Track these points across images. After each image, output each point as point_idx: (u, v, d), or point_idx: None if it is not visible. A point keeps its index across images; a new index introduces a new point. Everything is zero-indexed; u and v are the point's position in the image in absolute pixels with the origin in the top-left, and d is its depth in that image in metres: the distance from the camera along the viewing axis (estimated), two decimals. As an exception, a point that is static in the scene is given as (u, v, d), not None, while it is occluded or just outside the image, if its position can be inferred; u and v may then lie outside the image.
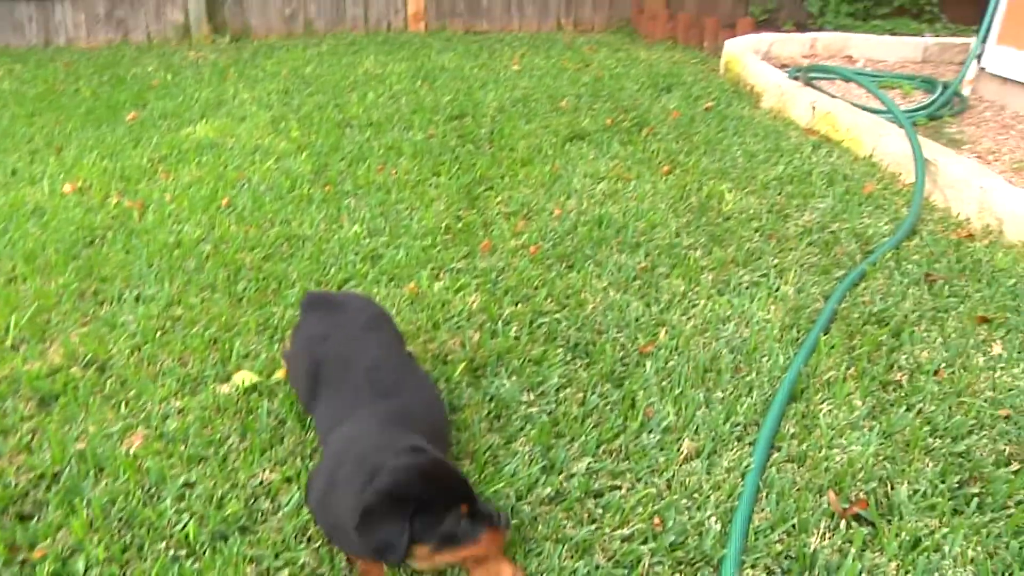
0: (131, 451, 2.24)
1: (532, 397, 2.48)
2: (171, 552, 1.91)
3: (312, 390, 2.24)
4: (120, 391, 2.51)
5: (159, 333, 2.81)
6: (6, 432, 2.32)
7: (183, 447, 2.26)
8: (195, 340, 2.75)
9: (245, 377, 2.55)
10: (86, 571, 1.86)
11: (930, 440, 2.30)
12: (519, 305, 2.98)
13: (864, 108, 4.92)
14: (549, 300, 3.01)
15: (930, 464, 2.21)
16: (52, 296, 3.03)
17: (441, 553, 1.79)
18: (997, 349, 2.76)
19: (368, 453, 1.86)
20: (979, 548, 1.95)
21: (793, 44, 6.67)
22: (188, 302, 3.00)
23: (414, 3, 8.03)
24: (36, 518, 2.02)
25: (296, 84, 5.99)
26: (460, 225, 3.64)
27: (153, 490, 2.11)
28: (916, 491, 2.11)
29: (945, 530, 1.99)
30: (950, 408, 2.44)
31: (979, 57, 5.51)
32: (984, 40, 5.45)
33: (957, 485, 2.14)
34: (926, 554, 1.93)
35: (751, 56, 6.07)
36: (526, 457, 2.21)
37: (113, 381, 2.55)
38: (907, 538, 1.96)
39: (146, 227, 3.62)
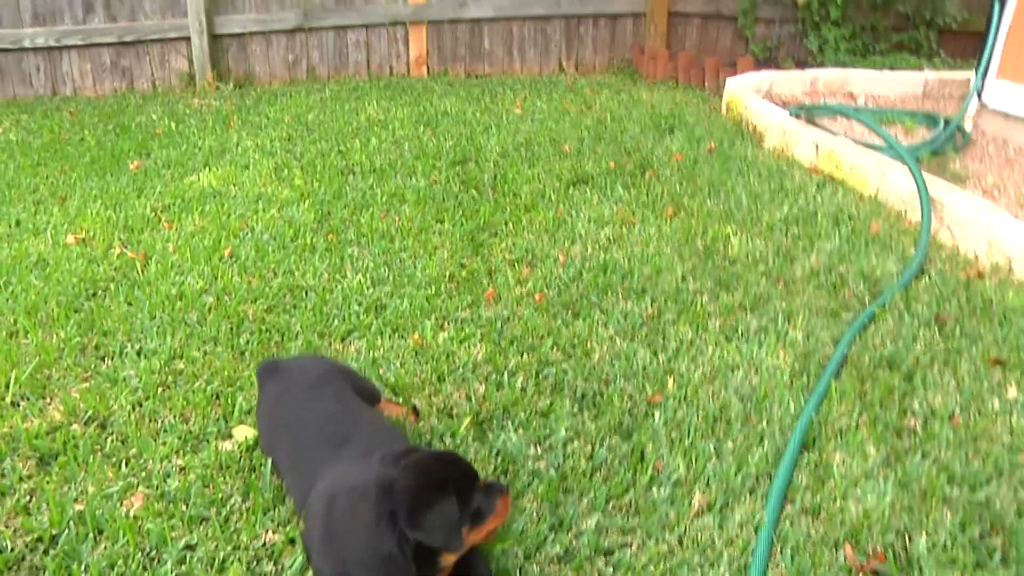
0: (131, 512, 2.20)
1: (539, 451, 2.44)
2: (171, 620, 1.87)
3: (276, 460, 2.28)
4: (121, 449, 2.47)
5: (161, 388, 2.78)
6: (4, 493, 2.28)
7: (184, 507, 2.21)
8: (197, 395, 2.72)
9: (247, 432, 2.51)
10: (84, 641, 1.82)
11: (948, 489, 2.24)
12: (525, 355, 2.94)
13: (868, 145, 4.92)
14: (555, 349, 2.98)
15: (949, 514, 2.15)
16: (53, 351, 3.00)
17: (473, 532, 1.84)
18: (1012, 392, 2.71)
19: (359, 478, 1.84)
20: (1003, 605, 1.90)
21: (794, 82, 6.69)
22: (190, 356, 2.97)
23: (416, 48, 8.09)
24: (33, 585, 1.98)
25: (299, 131, 6.01)
26: (464, 273, 3.62)
27: (153, 553, 2.06)
28: (935, 543, 2.06)
29: (967, 586, 1.94)
30: (967, 455, 2.39)
31: (979, 92, 5.51)
32: (983, 75, 5.45)
33: (978, 536, 2.08)
34: (948, 612, 1.87)
35: (752, 95, 6.09)
36: (534, 514, 2.16)
37: (114, 439, 2.51)
38: (928, 595, 1.91)
39: (148, 278, 3.60)
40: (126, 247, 3.95)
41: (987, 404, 2.65)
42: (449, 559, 1.84)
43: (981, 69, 5.45)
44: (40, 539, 2.11)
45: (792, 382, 2.77)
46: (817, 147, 4.96)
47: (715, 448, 2.43)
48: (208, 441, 2.50)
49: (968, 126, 5.55)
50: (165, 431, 2.56)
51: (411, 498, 1.76)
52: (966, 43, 7.82)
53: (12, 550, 2.07)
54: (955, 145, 5.22)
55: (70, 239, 4.05)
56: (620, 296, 3.38)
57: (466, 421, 2.55)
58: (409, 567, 1.76)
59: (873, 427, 2.52)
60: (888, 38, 7.92)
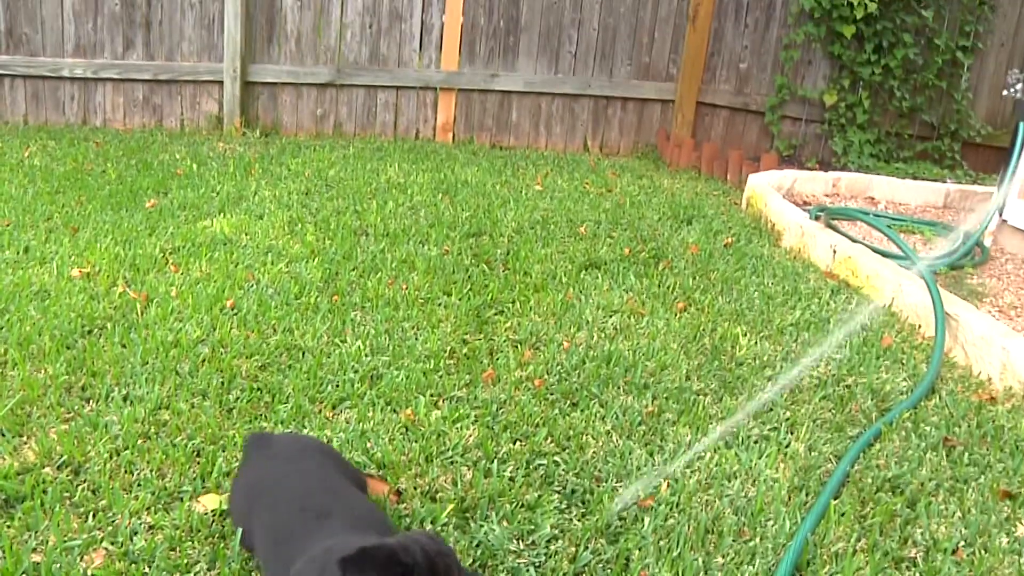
0: (90, 570, 2.11)
1: (521, 547, 2.33)
2: None
3: (250, 532, 2.18)
4: (91, 499, 2.39)
5: (142, 439, 2.70)
6: (-38, 538, 2.20)
7: (147, 569, 2.12)
8: (178, 450, 2.64)
9: (220, 499, 2.43)
10: None
11: (947, 632, 2.14)
12: (517, 443, 2.85)
13: (885, 254, 4.87)
14: (549, 440, 2.89)
15: (946, 661, 2.05)
16: (38, 387, 2.94)
17: None
18: (1022, 530, 2.61)
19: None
20: None
21: (817, 182, 6.69)
22: (177, 407, 2.90)
23: (444, 114, 8.17)
24: (-23, 643, 1.88)
25: (318, 185, 6.02)
26: (465, 350, 3.55)
27: (107, 620, 1.97)
28: None
29: None
30: (969, 594, 2.29)
31: (1001, 209, 5.49)
32: (1006, 192, 5.43)
33: None
34: None
35: (773, 193, 6.08)
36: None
37: (85, 487, 2.43)
38: None
39: (147, 321, 3.55)
40: (129, 286, 3.91)
41: (994, 540, 2.54)
42: None
43: (1004, 186, 5.43)
44: (-9, 591, 2.02)
45: (790, 497, 2.67)
46: (834, 251, 4.91)
47: (704, 562, 2.33)
48: (182, 500, 2.42)
49: (988, 242, 5.51)
50: (139, 485, 2.48)
51: (350, 558, 1.68)
52: (989, 157, 7.85)
53: (-40, 600, 1.98)
54: (974, 260, 5.18)
55: (75, 272, 4.01)
56: (621, 389, 3.30)
57: (449, 507, 2.45)
58: None
59: (871, 554, 2.41)
60: (912, 146, 7.96)
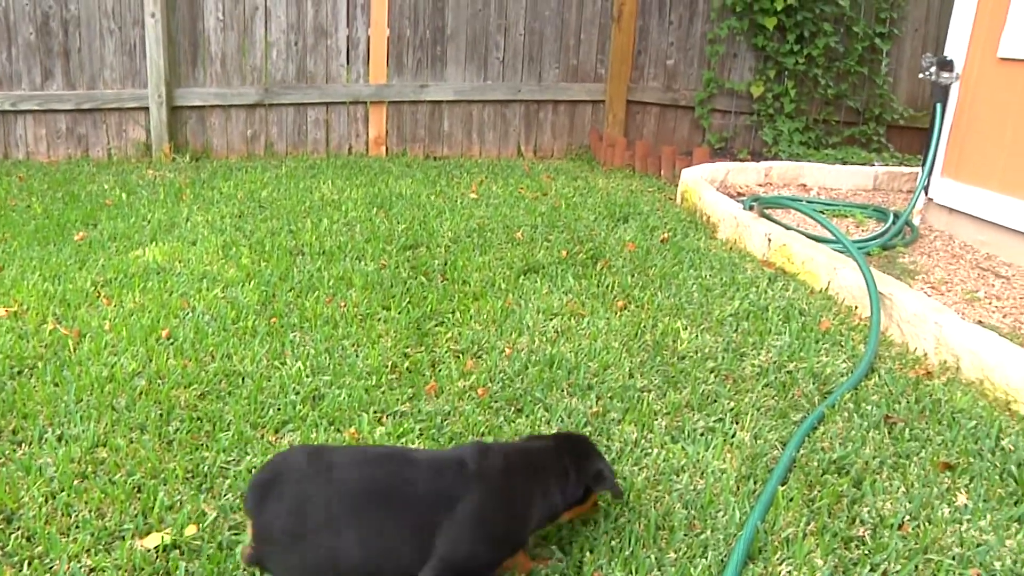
0: (28, 623, 2.04)
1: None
2: None
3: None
4: (25, 547, 2.31)
5: (78, 479, 2.62)
6: None
7: (89, 616, 2.06)
8: (117, 488, 2.56)
9: (164, 535, 2.37)
10: None
11: (897, 607, 2.17)
12: (464, 453, 2.83)
13: (819, 239, 4.95)
14: (496, 448, 2.87)
15: (898, 635, 2.07)
16: (-35, 436, 2.84)
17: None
18: (962, 499, 2.66)
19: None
20: None
21: (749, 173, 6.78)
22: (114, 444, 2.82)
23: (376, 128, 8.12)
24: None
25: (251, 207, 5.92)
26: (407, 364, 3.51)
27: (47, 672, 1.90)
28: (883, 669, 1.97)
29: None
30: (917, 567, 2.32)
31: (926, 188, 5.63)
32: (929, 173, 5.58)
33: (927, 663, 2.00)
34: None
35: (706, 186, 6.14)
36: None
37: (19, 536, 2.35)
38: None
39: (80, 358, 3.45)
40: (60, 323, 3.80)
41: (937, 512, 2.58)
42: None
43: (927, 166, 5.58)
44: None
45: (738, 487, 2.69)
46: (769, 240, 4.98)
47: (657, 559, 2.33)
48: (123, 539, 2.35)
49: (916, 220, 5.65)
50: (77, 527, 2.40)
51: (580, 443, 2.46)
52: (913, 138, 8.06)
53: None
54: (904, 240, 5.30)
55: (1, 312, 3.89)
56: (565, 392, 3.30)
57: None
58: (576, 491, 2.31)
59: (821, 537, 2.44)
60: (840, 132, 8.14)
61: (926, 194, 5.66)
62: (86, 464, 2.71)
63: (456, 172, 7.44)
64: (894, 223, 5.38)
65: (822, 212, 5.70)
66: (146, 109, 7.62)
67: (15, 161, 7.50)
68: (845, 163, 7.30)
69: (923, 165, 5.62)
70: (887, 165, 7.26)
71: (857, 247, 4.68)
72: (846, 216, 5.84)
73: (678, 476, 2.74)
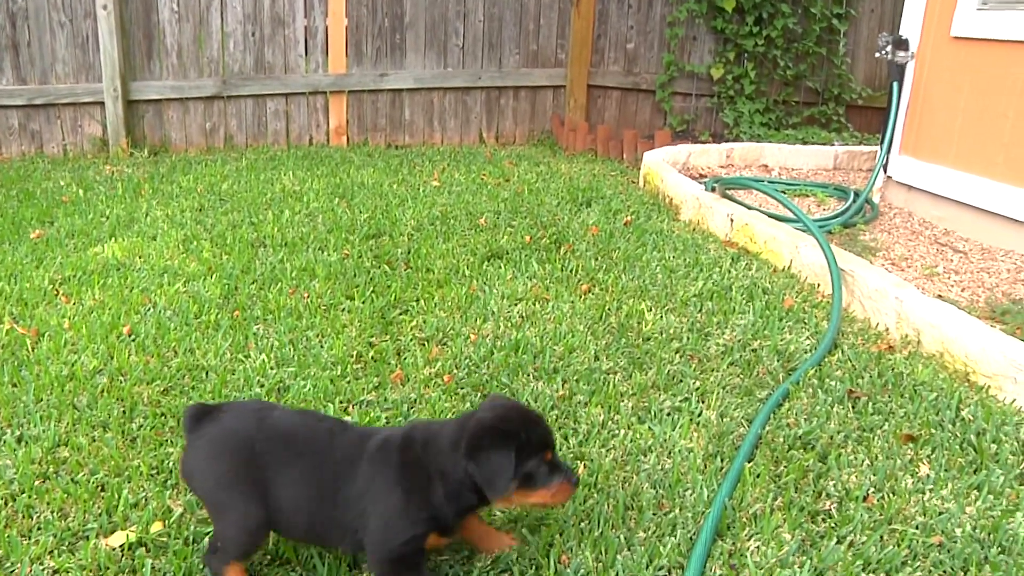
0: (-11, 627, 2.00)
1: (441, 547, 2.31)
2: None
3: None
4: (-14, 552, 2.27)
5: (39, 480, 2.57)
6: None
7: (53, 617, 2.03)
8: (79, 488, 2.52)
9: (129, 533, 2.33)
10: None
11: (863, 576, 2.20)
12: (431, 441, 2.82)
13: (780, 219, 4.99)
14: (463, 434, 2.86)
15: (864, 605, 2.10)
16: (-79, 441, 2.78)
17: (520, 492, 2.06)
18: (924, 469, 2.70)
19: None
20: None
21: (710, 155, 6.82)
22: (76, 443, 2.77)
23: (336, 118, 8.05)
24: None
25: (212, 201, 5.85)
26: (372, 353, 3.49)
27: (11, 675, 1.87)
28: (850, 639, 1.99)
29: None
30: (882, 538, 2.35)
31: (885, 166, 5.69)
32: (888, 150, 5.64)
33: (893, 630, 2.03)
34: None
35: (669, 168, 6.17)
36: (435, 617, 2.04)
37: (-21, 541, 2.31)
38: None
39: (39, 357, 3.39)
40: (17, 322, 3.73)
41: (900, 483, 2.62)
42: (520, 498, 2.08)
43: (885, 145, 5.64)
44: None
45: (706, 465, 2.71)
46: (732, 220, 5.01)
47: (626, 538, 2.33)
48: (87, 539, 2.31)
49: (876, 198, 5.71)
50: (39, 528, 2.36)
51: (477, 435, 2.03)
52: (872, 117, 8.16)
53: None
54: (864, 217, 5.35)
55: (-45, 315, 3.81)
56: (531, 376, 3.29)
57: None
58: (467, 493, 2.05)
59: (788, 511, 2.46)
60: (800, 112, 8.21)
61: (885, 172, 5.72)
62: (47, 464, 2.66)
63: (418, 160, 7.40)
64: (854, 201, 5.44)
65: (784, 192, 5.75)
66: (101, 104, 7.48)
67: (-34, 160, 7.35)
68: (806, 143, 7.37)
69: (881, 143, 5.69)
70: (847, 144, 7.35)
71: (818, 226, 4.73)
72: (808, 195, 5.89)
73: (645, 456, 2.75)
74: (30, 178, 6.58)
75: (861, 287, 3.96)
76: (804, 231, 4.69)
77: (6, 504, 2.46)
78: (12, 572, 2.19)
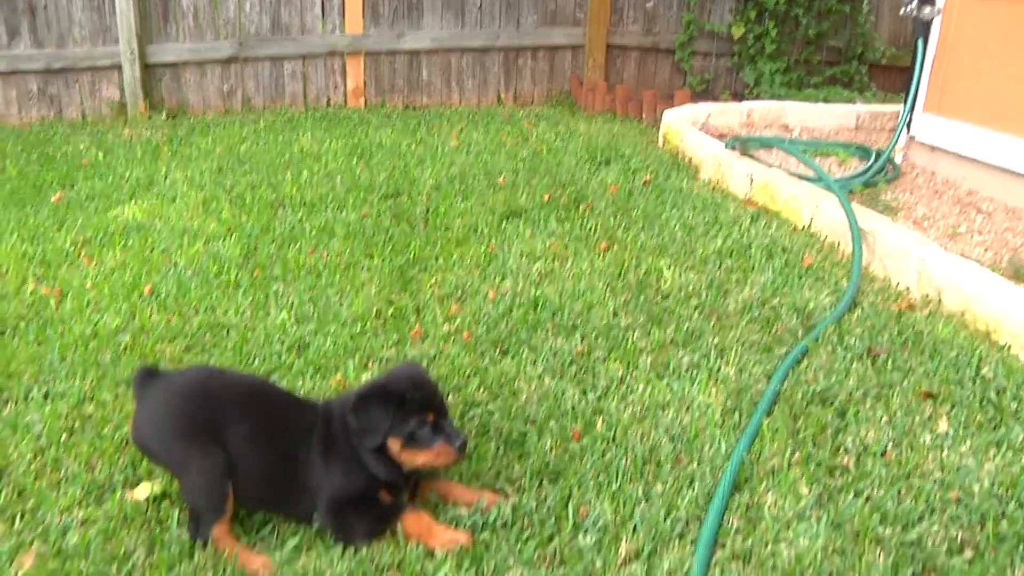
0: (21, 573, 2.04)
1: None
2: None
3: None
4: (16, 502, 2.31)
5: (66, 435, 2.62)
6: None
7: (83, 564, 2.07)
8: (105, 442, 2.57)
9: (154, 485, 2.38)
10: None
11: (880, 529, 2.20)
12: (450, 396, 2.84)
13: (802, 177, 4.95)
14: (482, 390, 2.89)
15: (882, 556, 2.11)
16: (-49, 396, 2.83)
17: (406, 452, 2.17)
18: (943, 426, 2.70)
19: None
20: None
21: (731, 114, 6.75)
22: (101, 399, 2.82)
23: (354, 79, 8.01)
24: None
25: (230, 162, 5.86)
26: (391, 310, 3.51)
27: (43, 619, 1.92)
28: (867, 588, 2.01)
29: (899, 634, 1.88)
30: (899, 492, 2.36)
31: (908, 125, 5.61)
32: (911, 109, 5.56)
33: (910, 579, 2.04)
34: (880, 663, 1.81)
35: (689, 127, 6.12)
36: (454, 564, 2.06)
37: (9, 491, 2.35)
38: (860, 644, 1.85)
39: (63, 316, 3.43)
40: (41, 283, 3.78)
41: (919, 439, 2.62)
42: (406, 459, 2.18)
43: (909, 103, 5.56)
44: (-83, 604, 1.95)
45: (724, 420, 2.72)
46: (752, 179, 4.98)
47: (644, 491, 2.36)
48: (114, 491, 2.36)
49: (898, 158, 5.64)
50: (67, 481, 2.41)
51: (361, 394, 2.21)
52: (895, 77, 8.03)
53: None
54: (886, 177, 5.29)
55: (-20, 275, 3.86)
56: (550, 333, 3.31)
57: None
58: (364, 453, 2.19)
59: (806, 466, 2.47)
60: (821, 72, 8.09)
61: (908, 131, 5.64)
62: (73, 420, 2.71)
63: (436, 121, 7.38)
64: (876, 161, 5.38)
65: (804, 151, 5.68)
66: (119, 67, 7.48)
67: (-14, 125, 7.39)
68: (827, 103, 7.26)
69: (905, 102, 5.60)
70: (869, 104, 7.23)
71: (839, 185, 4.68)
72: (829, 155, 5.82)
73: (664, 411, 2.77)
74: (50, 142, 6.61)
75: (882, 245, 3.93)
76: (825, 190, 4.65)
77: (35, 457, 2.51)
78: (43, 522, 2.24)
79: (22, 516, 2.26)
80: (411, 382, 2.22)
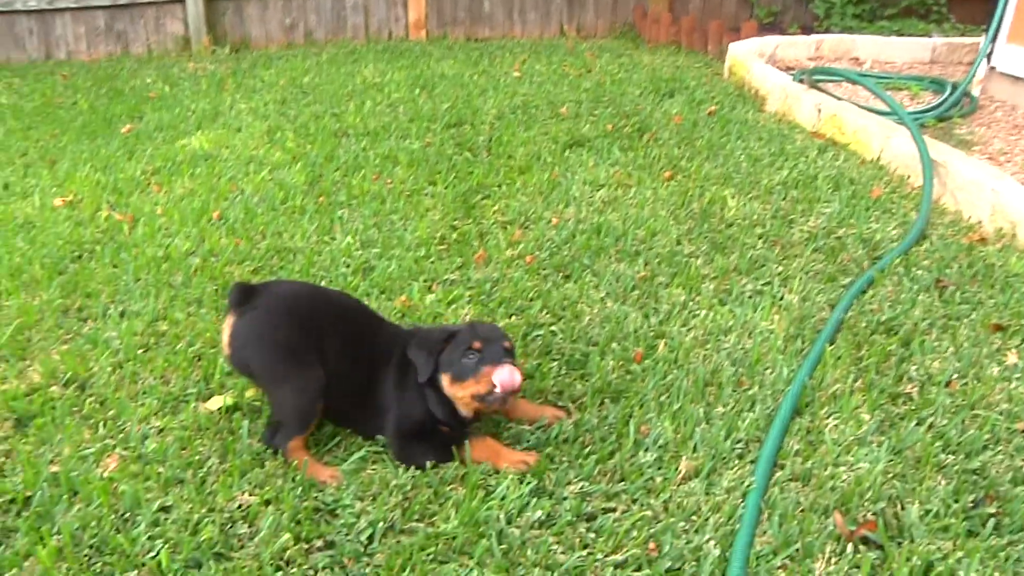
0: (106, 474, 2.15)
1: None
2: (141, 582, 1.82)
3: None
4: (99, 411, 2.42)
5: (142, 350, 2.73)
6: (-21, 454, 2.24)
7: (161, 469, 2.17)
8: (179, 357, 2.67)
9: (226, 397, 2.47)
10: (52, 603, 1.77)
11: (942, 456, 2.19)
12: (513, 317, 2.88)
13: (872, 110, 4.82)
14: (544, 312, 2.92)
15: (943, 482, 2.10)
16: (35, 313, 2.95)
17: (454, 385, 2.19)
18: (1012, 359, 2.65)
19: None
20: (996, 574, 1.84)
21: (799, 47, 6.57)
22: (173, 317, 2.92)
23: (415, 11, 7.96)
24: (3, 546, 1.93)
25: (294, 94, 5.91)
26: (455, 235, 3.55)
27: (127, 515, 2.01)
28: (928, 511, 2.00)
29: (959, 554, 1.88)
30: (963, 422, 2.33)
31: (989, 56, 5.40)
32: (994, 39, 5.34)
33: (972, 505, 2.03)
34: (939, 580, 1.82)
35: (755, 59, 5.97)
36: (516, 479, 2.11)
37: (92, 401, 2.47)
38: (919, 562, 1.85)
39: (135, 240, 3.54)
40: (114, 209, 3.89)
41: (986, 370, 2.59)
42: (455, 393, 2.21)
43: (991, 32, 5.33)
44: (13, 500, 2.06)
45: (786, 346, 2.71)
46: (819, 111, 4.86)
47: (705, 413, 2.37)
48: (187, 403, 2.45)
49: (976, 91, 5.44)
50: (144, 393, 2.51)
51: (420, 333, 2.31)
52: (976, 8, 7.67)
53: (-15, 511, 2.02)
54: (962, 110, 5.12)
55: (58, 202, 3.99)
56: (613, 258, 3.31)
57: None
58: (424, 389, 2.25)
59: (868, 393, 2.46)
60: (896, 3, 7.78)
61: (988, 63, 5.43)
62: (148, 336, 2.81)
63: (498, 53, 7.31)
64: (952, 94, 5.19)
65: (876, 84, 5.51)
66: (182, 2, 7.55)
67: (57, 61, 7.55)
68: (901, 35, 7.01)
69: (987, 31, 5.38)
70: (947, 36, 6.96)
71: (912, 118, 4.54)
72: (901, 89, 5.65)
73: (726, 336, 2.77)
74: (118, 77, 6.73)
75: (954, 178, 3.83)
76: (897, 123, 4.52)
77: (114, 371, 2.62)
78: (123, 429, 2.34)
79: (104, 424, 2.36)
80: (470, 324, 2.26)
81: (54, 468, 2.17)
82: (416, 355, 2.23)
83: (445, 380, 2.21)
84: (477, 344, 2.18)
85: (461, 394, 2.20)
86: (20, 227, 3.71)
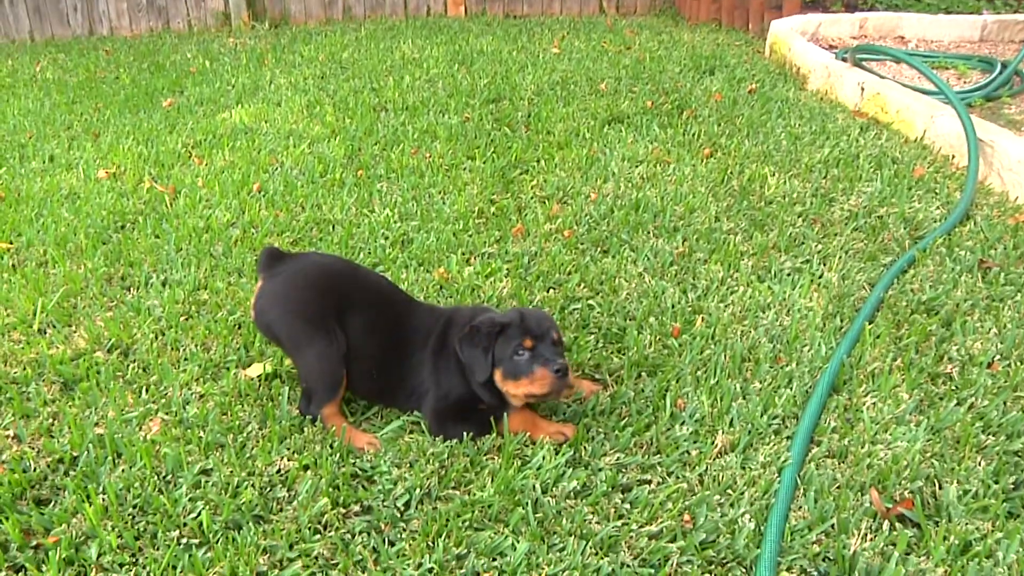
0: (149, 437, 2.20)
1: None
2: (184, 541, 1.86)
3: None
4: (142, 376, 2.47)
5: (184, 318, 2.78)
6: (28, 416, 2.30)
7: (202, 433, 2.21)
8: (219, 325, 2.71)
9: (266, 364, 2.50)
10: (99, 557, 1.81)
11: (982, 437, 2.16)
12: (551, 291, 2.89)
13: (916, 89, 4.73)
14: (582, 286, 2.92)
15: (982, 463, 2.08)
16: (80, 281, 3.01)
17: (507, 382, 2.17)
18: (1057, 340, 2.61)
19: None
20: (1036, 555, 1.82)
21: (842, 25, 6.46)
22: (214, 286, 2.96)
23: (454, -13, 7.96)
24: (52, 503, 1.98)
25: (333, 69, 5.94)
26: (493, 209, 3.55)
27: (169, 477, 2.06)
28: (966, 491, 1.99)
29: (998, 535, 1.86)
30: (1005, 403, 2.30)
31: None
32: (1046, 16, 5.21)
33: (1012, 486, 2.01)
34: (977, 560, 1.80)
35: (797, 37, 5.89)
36: (552, 449, 2.12)
37: (135, 366, 2.52)
38: (956, 542, 1.84)
39: (177, 212, 3.59)
40: (156, 181, 3.95)
41: (1029, 352, 2.54)
42: (509, 389, 2.18)
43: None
44: (61, 460, 2.12)
45: (824, 324, 2.69)
46: (863, 89, 4.78)
47: (742, 388, 2.37)
48: (228, 369, 2.49)
49: (1026, 70, 5.32)
50: (186, 359, 2.55)
51: (470, 327, 2.21)
52: (1028, -15, 7.50)
53: (35, 470, 2.08)
54: (1011, 90, 5.01)
55: (101, 174, 4.05)
56: (651, 234, 3.30)
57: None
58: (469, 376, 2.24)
59: (907, 372, 2.43)
60: (944, -20, 7.62)
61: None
62: (190, 305, 2.86)
63: (537, 29, 7.28)
64: (1001, 72, 5.08)
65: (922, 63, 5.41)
66: (223, -23, 7.61)
67: (100, 36, 7.64)
68: (948, 12, 6.86)
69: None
70: (999, 13, 6.80)
71: (959, 97, 4.45)
72: (947, 68, 5.54)
73: (764, 313, 2.75)
74: (159, 51, 6.81)
75: (1001, 159, 3.75)
76: (942, 102, 4.44)
77: (157, 338, 2.67)
78: (165, 394, 2.39)
79: (147, 389, 2.41)
80: (519, 314, 2.22)
81: (99, 430, 2.22)
82: (469, 355, 2.20)
83: (497, 376, 2.19)
84: (528, 343, 2.15)
85: (515, 391, 2.18)
86: (65, 198, 3.78)
